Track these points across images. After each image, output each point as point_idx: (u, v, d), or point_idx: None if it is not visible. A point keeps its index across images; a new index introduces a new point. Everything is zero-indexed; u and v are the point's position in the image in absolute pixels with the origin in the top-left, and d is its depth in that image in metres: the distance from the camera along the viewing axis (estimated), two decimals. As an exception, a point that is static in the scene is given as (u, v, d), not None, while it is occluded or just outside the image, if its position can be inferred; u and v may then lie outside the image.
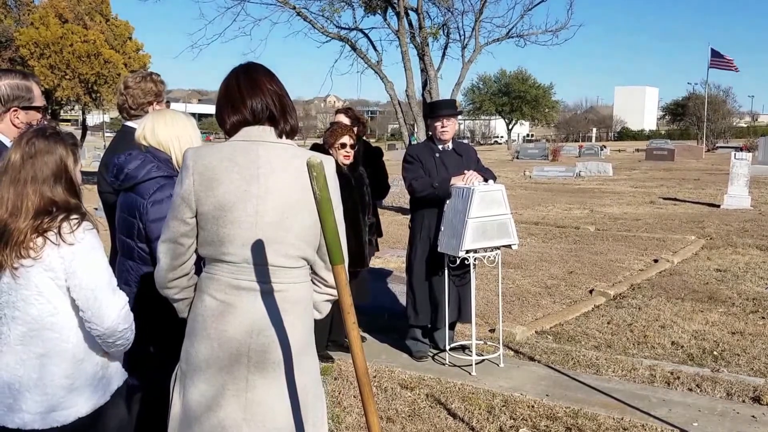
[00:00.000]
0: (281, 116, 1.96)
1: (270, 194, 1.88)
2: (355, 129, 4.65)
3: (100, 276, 1.96)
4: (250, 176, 1.87)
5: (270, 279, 1.89)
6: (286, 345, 1.90)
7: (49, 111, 22.51)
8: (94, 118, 54.89)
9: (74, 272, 1.93)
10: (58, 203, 1.96)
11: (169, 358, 2.22)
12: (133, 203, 2.51)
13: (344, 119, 4.85)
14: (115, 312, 1.97)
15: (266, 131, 1.94)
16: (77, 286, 1.94)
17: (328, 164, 1.95)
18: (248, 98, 1.94)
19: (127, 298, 2.04)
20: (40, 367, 1.96)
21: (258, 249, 1.87)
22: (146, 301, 2.48)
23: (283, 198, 1.89)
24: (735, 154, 14.06)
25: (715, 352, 4.76)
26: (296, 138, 2.17)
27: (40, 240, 1.92)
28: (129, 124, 3.16)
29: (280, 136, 1.97)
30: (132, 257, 2.53)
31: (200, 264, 2.00)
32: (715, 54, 37.87)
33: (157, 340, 2.45)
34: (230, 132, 1.97)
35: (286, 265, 1.90)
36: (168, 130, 2.57)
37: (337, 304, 1.90)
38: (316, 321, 2.06)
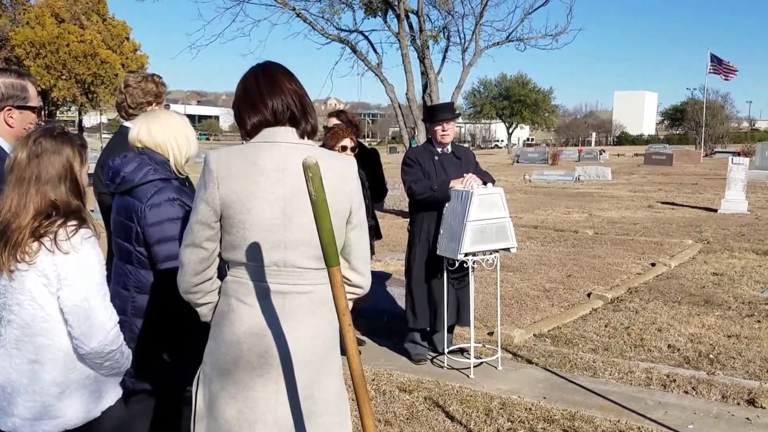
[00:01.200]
0: (302, 116, 1.93)
1: (295, 195, 1.85)
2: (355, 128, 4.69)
3: (92, 293, 1.91)
4: (275, 178, 1.85)
5: (297, 281, 1.88)
6: (315, 345, 1.90)
7: (46, 112, 22.42)
8: (90, 119, 54.79)
9: (65, 285, 1.89)
10: (58, 205, 1.93)
11: (177, 362, 2.22)
12: (130, 207, 2.48)
13: (334, 120, 4.87)
14: (102, 333, 1.92)
15: (288, 132, 1.91)
16: (66, 299, 1.90)
17: (352, 165, 1.98)
18: (269, 98, 1.90)
19: (118, 318, 1.99)
20: (30, 373, 1.94)
21: (285, 251, 1.86)
22: (145, 306, 2.48)
23: (307, 198, 1.85)
24: (732, 159, 14.12)
25: (711, 356, 4.80)
26: None
27: (35, 245, 1.89)
28: (127, 124, 3.16)
29: (302, 137, 1.94)
30: (130, 261, 2.51)
31: (223, 268, 1.98)
32: (714, 59, 37.98)
33: (160, 344, 2.44)
34: (251, 133, 1.93)
35: (313, 267, 1.89)
36: (164, 131, 2.53)
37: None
38: None
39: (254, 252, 1.86)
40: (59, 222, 1.90)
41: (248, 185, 1.84)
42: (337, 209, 1.86)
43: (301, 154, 1.85)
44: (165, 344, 2.45)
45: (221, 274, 1.99)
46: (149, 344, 2.43)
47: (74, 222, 1.93)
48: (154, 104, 3.14)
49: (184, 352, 2.42)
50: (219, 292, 1.96)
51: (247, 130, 1.94)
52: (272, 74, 1.95)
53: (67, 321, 1.91)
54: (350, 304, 2.06)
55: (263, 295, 1.87)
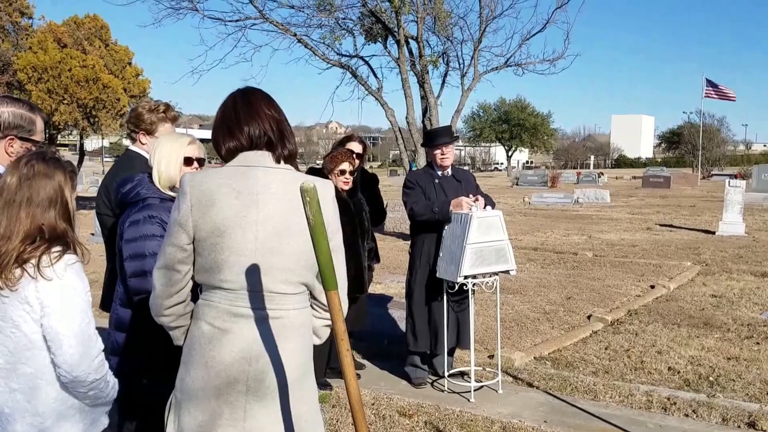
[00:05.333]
0: (279, 141, 1.93)
1: (269, 219, 1.84)
2: (363, 155, 4.74)
3: (75, 321, 1.87)
4: (248, 201, 1.84)
5: (269, 305, 1.86)
6: (284, 372, 1.86)
7: (47, 135, 22.52)
8: (92, 143, 55.03)
9: (47, 312, 1.85)
10: (44, 230, 1.90)
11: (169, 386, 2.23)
12: (121, 224, 2.56)
13: (357, 146, 4.87)
14: (86, 361, 1.88)
15: (264, 156, 1.91)
16: (49, 327, 1.86)
17: (328, 188, 1.94)
18: (245, 124, 1.90)
19: (102, 347, 1.95)
20: (12, 402, 1.90)
21: (257, 275, 1.84)
22: (126, 320, 2.52)
23: (282, 223, 1.86)
24: (729, 182, 14.20)
25: (711, 378, 4.80)
26: (298, 162, 2.18)
27: (18, 271, 1.85)
28: (133, 148, 3.24)
29: (278, 161, 1.93)
30: (120, 275, 2.57)
31: (197, 291, 1.97)
32: (710, 84, 38.33)
33: (164, 363, 2.47)
34: (226, 158, 1.94)
35: (286, 291, 1.87)
36: (154, 154, 2.61)
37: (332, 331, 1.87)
38: (315, 347, 2.04)
39: (226, 275, 1.84)
40: (43, 247, 1.87)
41: (222, 208, 1.83)
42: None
43: (277, 178, 1.87)
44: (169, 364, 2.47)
45: (195, 298, 1.96)
46: (152, 358, 2.45)
47: (58, 248, 1.89)
48: (140, 133, 3.19)
49: (158, 370, 2.43)
50: (192, 316, 1.94)
51: (222, 155, 1.95)
52: (251, 100, 1.95)
53: (50, 349, 1.87)
54: (328, 331, 2.03)
55: (234, 320, 1.85)
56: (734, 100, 39.02)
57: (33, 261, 1.86)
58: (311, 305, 1.99)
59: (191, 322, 1.93)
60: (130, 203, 2.56)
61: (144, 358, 2.47)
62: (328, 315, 1.97)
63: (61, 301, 1.86)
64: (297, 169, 2.10)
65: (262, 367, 1.84)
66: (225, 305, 1.85)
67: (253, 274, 1.84)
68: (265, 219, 1.84)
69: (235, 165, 1.91)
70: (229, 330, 1.84)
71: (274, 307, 1.86)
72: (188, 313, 1.95)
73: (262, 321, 1.85)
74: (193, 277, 1.91)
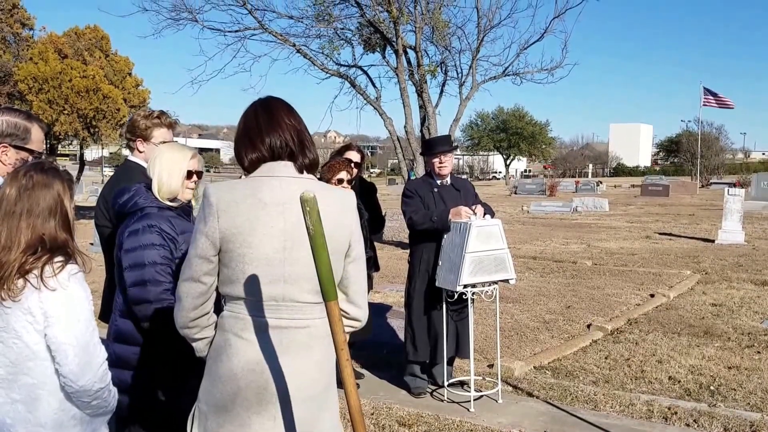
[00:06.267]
0: (300, 151, 1.94)
1: (296, 230, 1.83)
2: (361, 164, 4.76)
3: (80, 330, 1.87)
4: (276, 212, 1.85)
5: (296, 316, 1.87)
6: (313, 381, 1.88)
7: (47, 146, 22.56)
8: (92, 153, 55.14)
9: (52, 323, 1.86)
10: (45, 240, 1.90)
11: (177, 396, 2.22)
12: (120, 234, 2.55)
13: (355, 155, 4.93)
14: (91, 370, 1.88)
15: (288, 166, 1.93)
16: (54, 337, 1.86)
17: (350, 198, 2.00)
18: (267, 135, 1.92)
19: (106, 355, 1.96)
20: (14, 412, 1.90)
21: (284, 286, 1.85)
22: (124, 331, 2.51)
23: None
24: (728, 190, 14.23)
25: (711, 387, 4.78)
26: None
27: (20, 282, 1.85)
28: (132, 158, 3.25)
29: (301, 171, 1.95)
30: (120, 285, 2.55)
31: (219, 302, 1.97)
32: (708, 92, 38.47)
33: (165, 376, 2.44)
34: (249, 169, 1.95)
35: (312, 301, 1.88)
36: (153, 164, 2.60)
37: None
38: None
39: (253, 286, 1.84)
40: (45, 258, 1.88)
41: (249, 219, 1.84)
42: (337, 242, 1.86)
43: (301, 187, 1.86)
44: (171, 377, 2.46)
45: (218, 309, 1.97)
46: (152, 370, 2.45)
47: (60, 258, 1.90)
48: (137, 140, 3.19)
49: (161, 381, 2.43)
50: (215, 327, 1.94)
51: (245, 166, 1.96)
52: (272, 110, 1.97)
53: (54, 359, 1.87)
54: (347, 337, 2.05)
55: (261, 330, 1.85)
56: (733, 108, 39.15)
57: (35, 271, 1.86)
58: None
59: (216, 333, 1.93)
60: (128, 213, 2.56)
61: (144, 369, 2.45)
62: (348, 322, 1.98)
63: (65, 311, 1.86)
64: (319, 178, 2.10)
65: (289, 378, 1.85)
66: (253, 317, 1.86)
67: (281, 284, 1.85)
68: (291, 229, 1.85)
69: (259, 175, 1.92)
70: (255, 341, 1.85)
71: (300, 316, 1.87)
72: (212, 325, 1.94)
73: (291, 331, 1.86)
74: (216, 289, 1.92)
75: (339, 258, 1.92)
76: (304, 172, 1.96)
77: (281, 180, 1.89)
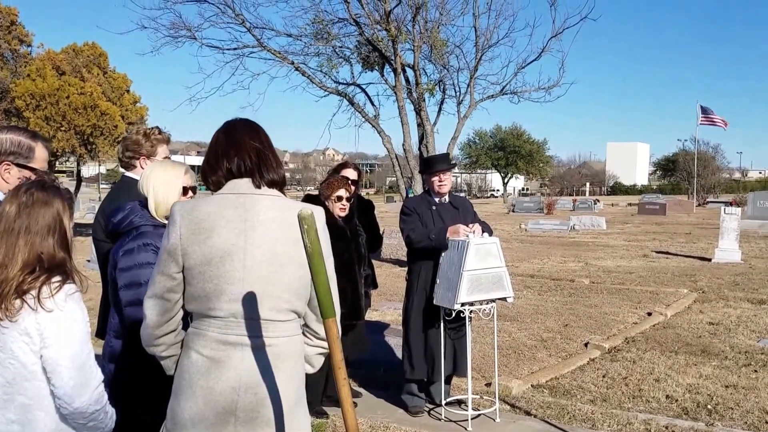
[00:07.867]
0: (258, 170, 1.95)
1: (258, 247, 1.84)
2: (359, 182, 4.79)
3: (76, 351, 1.86)
4: (237, 229, 1.85)
5: (259, 333, 1.84)
6: (276, 402, 1.84)
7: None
8: (89, 170, 55.19)
9: (48, 344, 1.85)
10: (44, 258, 1.90)
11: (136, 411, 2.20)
12: (114, 253, 2.55)
13: (352, 173, 4.95)
14: (87, 392, 1.87)
15: (249, 183, 1.95)
16: (49, 359, 1.85)
17: (319, 215, 1.93)
18: (224, 158, 1.96)
19: (102, 377, 1.95)
20: None
21: (246, 303, 1.83)
22: (118, 351, 2.51)
23: (271, 250, 1.86)
24: (725, 209, 14.28)
25: (709, 406, 4.77)
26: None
27: (17, 302, 1.84)
28: (128, 174, 3.27)
29: (259, 188, 1.95)
30: (115, 304, 2.56)
31: (187, 320, 1.96)
32: (704, 111, 38.74)
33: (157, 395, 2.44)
34: (214, 190, 2.00)
35: (276, 319, 1.86)
36: (147, 181, 2.60)
37: (329, 359, 1.84)
38: (311, 375, 2.02)
39: (215, 303, 1.84)
40: (43, 278, 1.87)
41: (211, 237, 1.84)
42: (303, 260, 1.81)
43: (267, 204, 1.90)
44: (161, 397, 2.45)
45: (185, 326, 1.95)
46: (146, 392, 2.43)
47: (58, 278, 1.89)
48: (142, 158, 3.21)
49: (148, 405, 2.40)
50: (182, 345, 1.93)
51: (209, 187, 2.02)
52: (232, 133, 2.01)
53: (50, 380, 1.86)
54: (321, 359, 2.02)
55: (225, 348, 1.84)
56: (725, 128, 39.37)
57: (33, 292, 1.85)
58: (303, 333, 1.98)
59: (182, 351, 1.92)
60: (122, 232, 2.55)
61: (139, 389, 2.44)
62: (321, 343, 1.97)
63: (62, 332, 1.85)
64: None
65: (253, 397, 1.83)
66: (215, 334, 1.85)
67: (243, 302, 1.84)
68: (254, 246, 1.85)
69: (225, 193, 1.94)
70: (219, 359, 1.83)
71: (266, 334, 1.85)
72: (178, 343, 1.94)
73: (253, 349, 1.84)
74: (183, 306, 1.91)
75: (306, 274, 1.86)
76: (267, 188, 1.96)
77: (246, 197, 1.91)
